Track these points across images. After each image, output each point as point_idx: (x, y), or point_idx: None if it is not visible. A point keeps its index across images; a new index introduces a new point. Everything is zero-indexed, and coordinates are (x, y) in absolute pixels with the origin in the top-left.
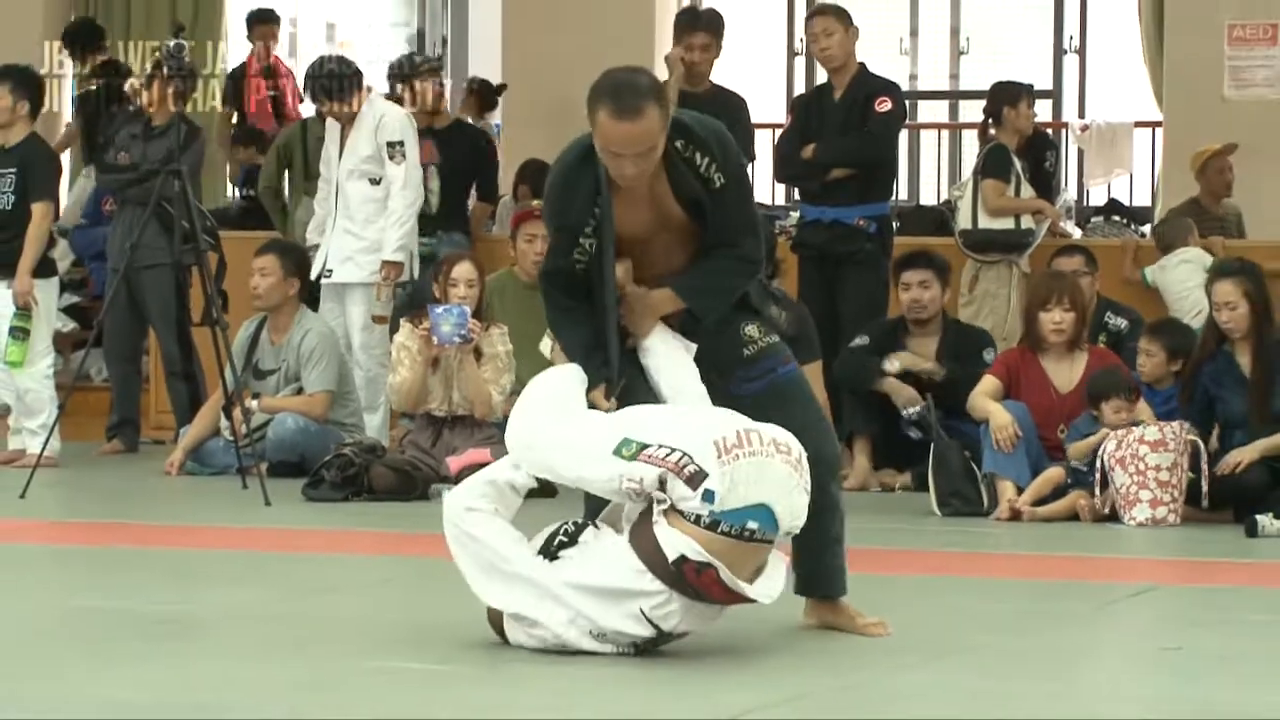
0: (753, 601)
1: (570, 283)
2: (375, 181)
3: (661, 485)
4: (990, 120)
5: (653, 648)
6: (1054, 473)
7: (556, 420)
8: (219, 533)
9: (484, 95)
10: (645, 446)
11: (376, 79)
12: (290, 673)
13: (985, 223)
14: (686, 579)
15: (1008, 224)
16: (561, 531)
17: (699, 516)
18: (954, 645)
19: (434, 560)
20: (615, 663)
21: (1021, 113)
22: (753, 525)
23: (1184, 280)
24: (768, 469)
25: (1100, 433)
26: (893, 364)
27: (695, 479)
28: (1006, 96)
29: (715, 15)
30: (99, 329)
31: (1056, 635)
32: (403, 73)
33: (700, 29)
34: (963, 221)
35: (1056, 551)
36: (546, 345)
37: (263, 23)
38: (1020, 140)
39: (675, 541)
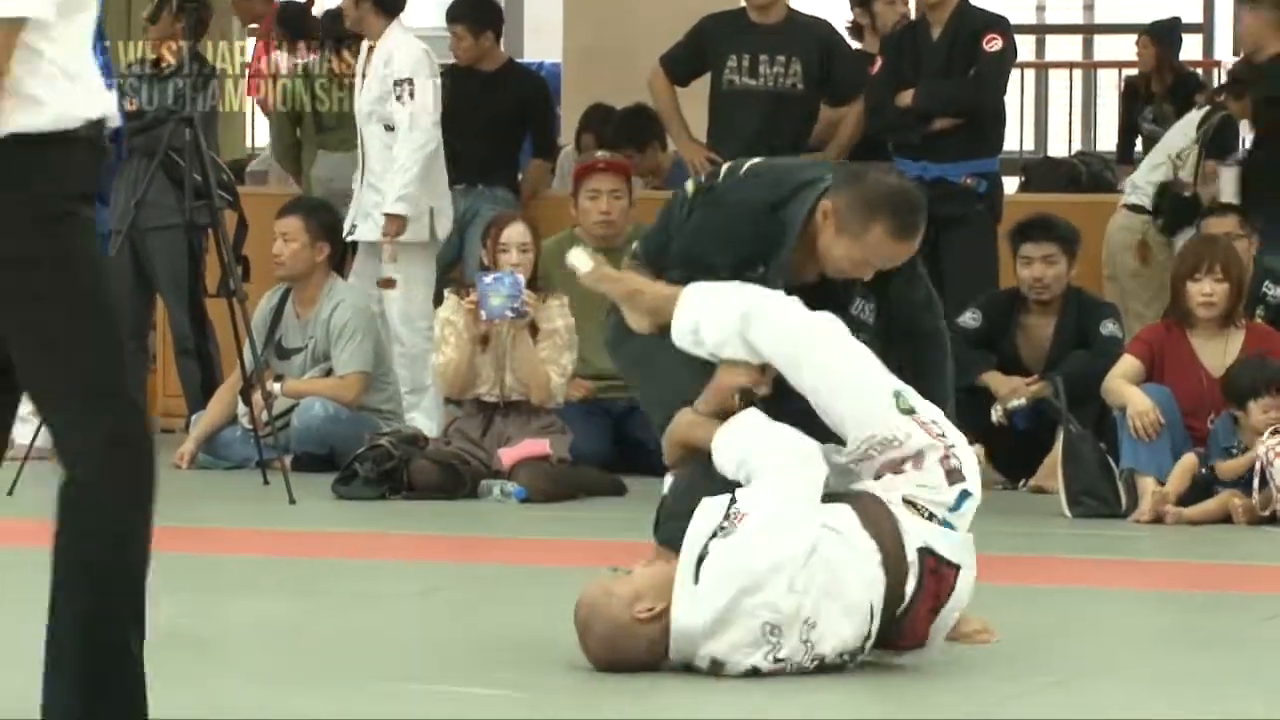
0: (921, 647)
1: None
2: (390, 127)
3: (917, 461)
4: (1230, 88)
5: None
6: (1188, 461)
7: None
8: (236, 535)
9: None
10: (915, 411)
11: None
12: (320, 698)
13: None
14: (923, 577)
15: None
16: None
17: (932, 515)
18: (1091, 665)
19: (484, 567)
20: (716, 684)
21: None
22: (952, 558)
23: None
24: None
25: (1248, 455)
26: (997, 413)
27: (955, 475)
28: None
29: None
30: None
31: (1209, 655)
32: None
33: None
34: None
35: (1208, 559)
36: (579, 257)
37: None
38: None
39: (917, 528)
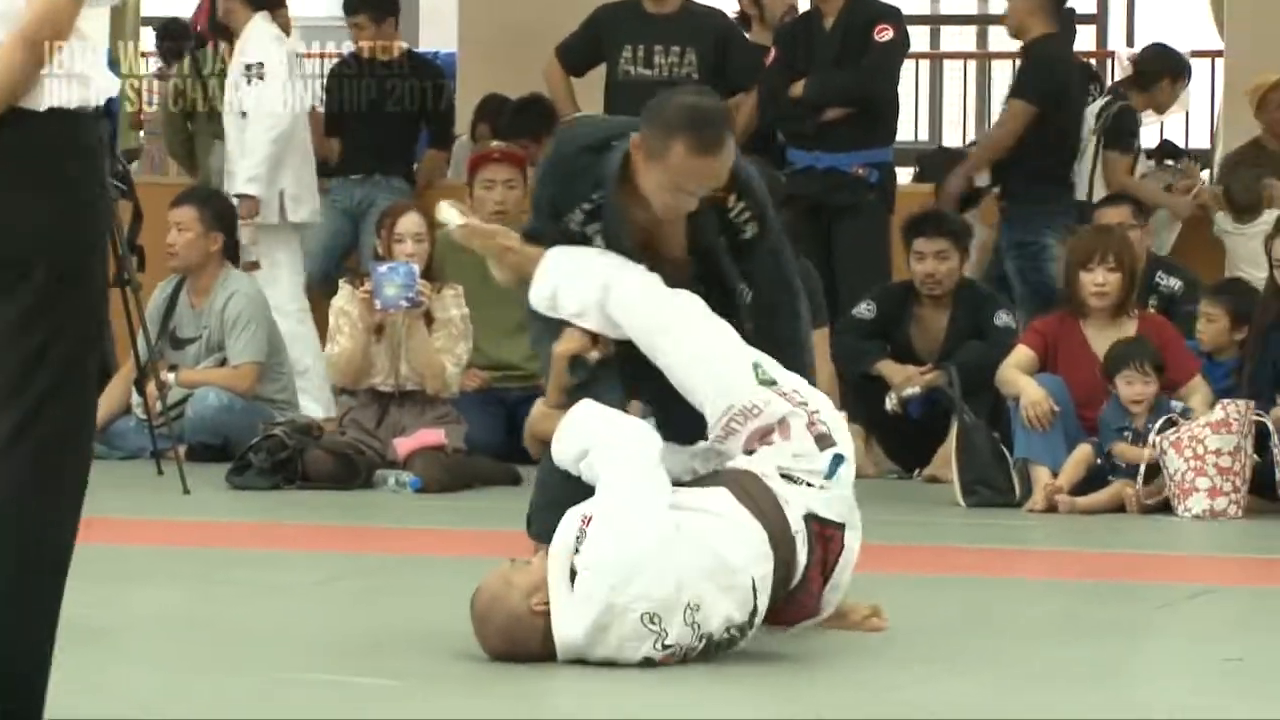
0: (816, 617)
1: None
2: (246, 113)
3: (783, 429)
4: (1136, 80)
5: (710, 653)
6: (1083, 451)
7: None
8: (130, 525)
9: None
10: (775, 382)
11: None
12: (215, 687)
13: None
14: (812, 544)
15: None
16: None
17: (810, 485)
18: (983, 654)
19: (378, 557)
20: (608, 674)
21: (1176, 92)
22: (836, 519)
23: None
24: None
25: (1146, 449)
26: (892, 401)
27: (825, 440)
28: (1170, 66)
29: None
30: None
31: (1100, 644)
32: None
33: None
34: (1078, 192)
35: (1100, 548)
36: (449, 212)
37: None
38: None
39: (798, 497)
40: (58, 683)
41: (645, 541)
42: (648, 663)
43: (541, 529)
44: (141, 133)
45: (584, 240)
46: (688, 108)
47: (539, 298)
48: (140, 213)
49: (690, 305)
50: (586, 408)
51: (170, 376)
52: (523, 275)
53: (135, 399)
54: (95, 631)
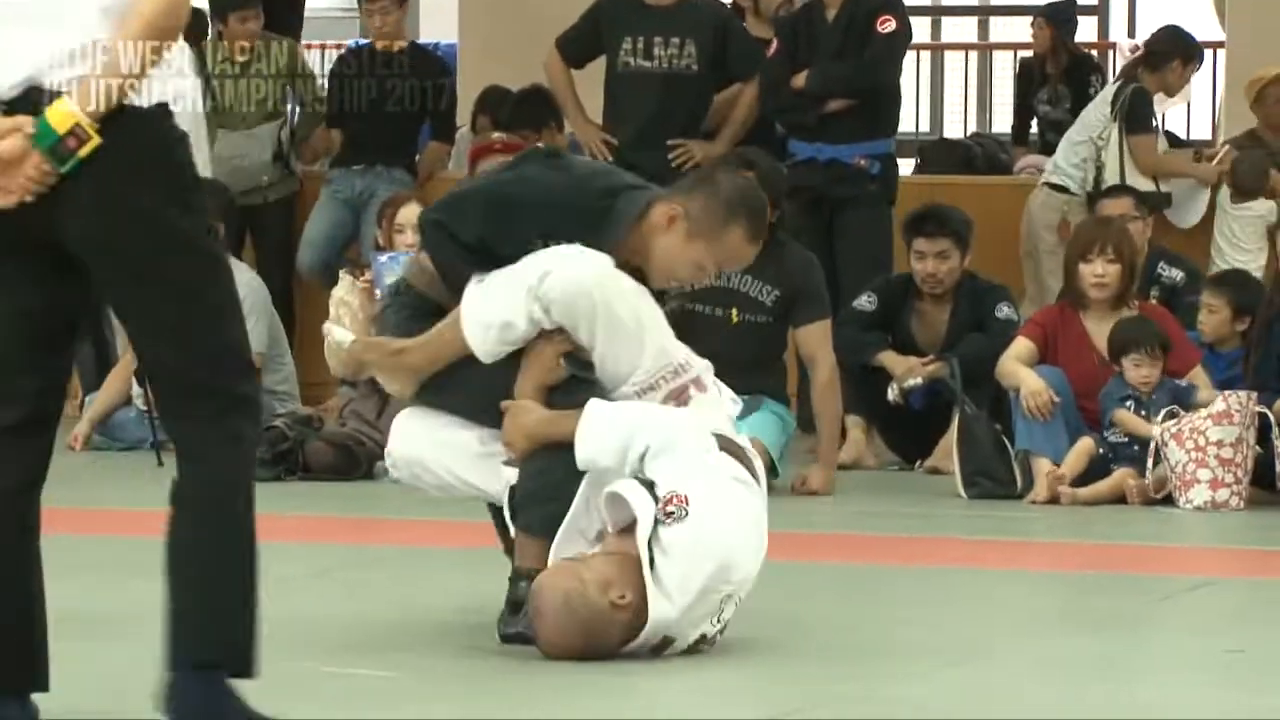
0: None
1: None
2: None
3: (699, 384)
4: (1147, 60)
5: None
6: (1084, 444)
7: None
8: (131, 517)
9: None
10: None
11: None
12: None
13: (1132, 182)
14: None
15: (1147, 184)
16: None
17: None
18: (984, 646)
19: (379, 549)
20: (599, 669)
21: (1187, 75)
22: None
23: (1243, 238)
24: None
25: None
26: (893, 392)
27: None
28: (1181, 48)
29: None
30: None
31: (1101, 636)
32: None
33: None
34: (1106, 180)
35: (1102, 540)
36: (340, 332)
37: None
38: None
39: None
40: (56, 672)
41: (744, 529)
42: (701, 639)
43: (530, 520)
44: None
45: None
46: (747, 194)
47: (474, 329)
48: None
49: (617, 280)
50: (603, 405)
51: None
52: (432, 360)
53: (136, 390)
54: (96, 621)
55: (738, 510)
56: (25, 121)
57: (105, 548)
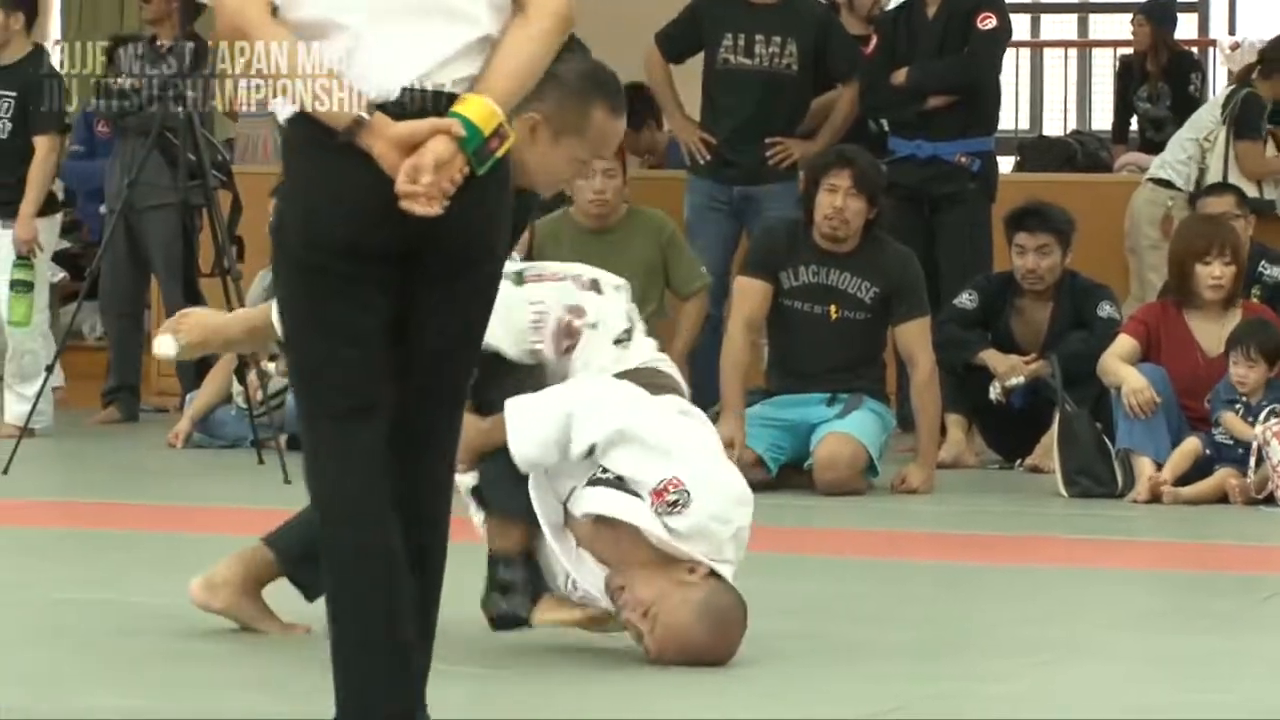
0: None
1: None
2: None
3: (575, 314)
4: (1260, 68)
5: None
6: (1190, 444)
7: None
8: (231, 514)
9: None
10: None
11: None
12: (316, 677)
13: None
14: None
15: (1251, 189)
16: None
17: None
18: (1085, 645)
19: (480, 547)
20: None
21: None
22: None
23: None
24: None
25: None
26: (995, 391)
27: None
28: None
29: None
30: (93, 279)
31: (1202, 636)
32: None
33: None
34: (1212, 180)
35: (1204, 539)
36: (165, 346)
37: None
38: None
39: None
40: (148, 672)
41: (720, 462)
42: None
43: (503, 503)
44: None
45: None
46: (592, 72)
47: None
48: (240, 203)
49: None
50: (520, 401)
51: (271, 366)
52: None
53: (236, 388)
54: (195, 620)
55: (712, 452)
56: (451, 123)
57: (205, 545)
